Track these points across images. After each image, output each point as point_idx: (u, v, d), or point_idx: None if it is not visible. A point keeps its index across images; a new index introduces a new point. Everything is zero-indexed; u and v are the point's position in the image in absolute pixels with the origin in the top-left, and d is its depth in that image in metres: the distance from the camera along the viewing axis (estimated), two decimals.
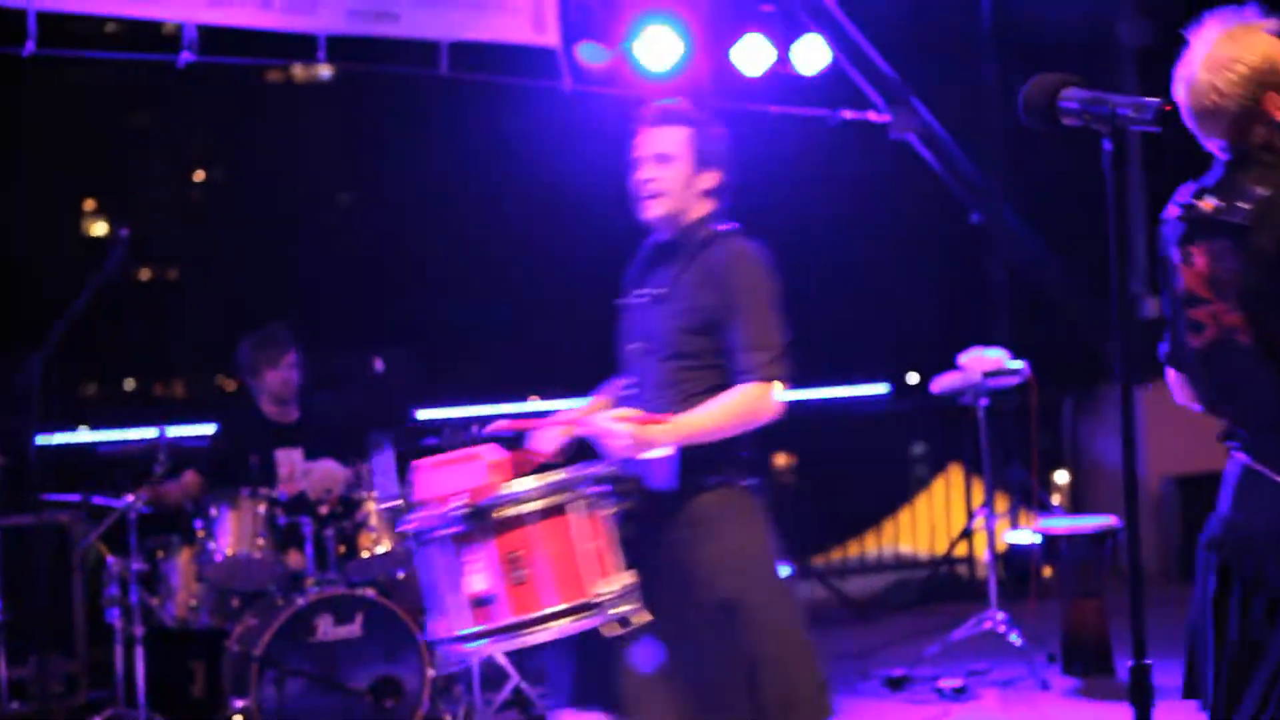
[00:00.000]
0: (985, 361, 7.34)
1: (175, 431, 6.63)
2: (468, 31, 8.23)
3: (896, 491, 10.95)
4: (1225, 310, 3.26)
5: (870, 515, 10.57)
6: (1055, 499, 9.89)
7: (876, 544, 10.34)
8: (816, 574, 9.41)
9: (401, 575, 6.46)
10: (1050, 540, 7.23)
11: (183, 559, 6.40)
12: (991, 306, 10.00)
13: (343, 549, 6.31)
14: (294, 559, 6.32)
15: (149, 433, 6.54)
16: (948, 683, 6.84)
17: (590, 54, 8.47)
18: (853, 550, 10.28)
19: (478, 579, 3.58)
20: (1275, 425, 3.26)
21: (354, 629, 6.09)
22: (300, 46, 8.05)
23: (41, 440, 6.51)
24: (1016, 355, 7.45)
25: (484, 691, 6.46)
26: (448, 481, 3.63)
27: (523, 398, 9.13)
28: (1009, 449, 8.92)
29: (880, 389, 10.49)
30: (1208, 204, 3.30)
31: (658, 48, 8.47)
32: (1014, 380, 7.39)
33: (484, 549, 3.59)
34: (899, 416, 10.69)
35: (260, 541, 6.23)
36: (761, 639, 3.86)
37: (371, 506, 6.34)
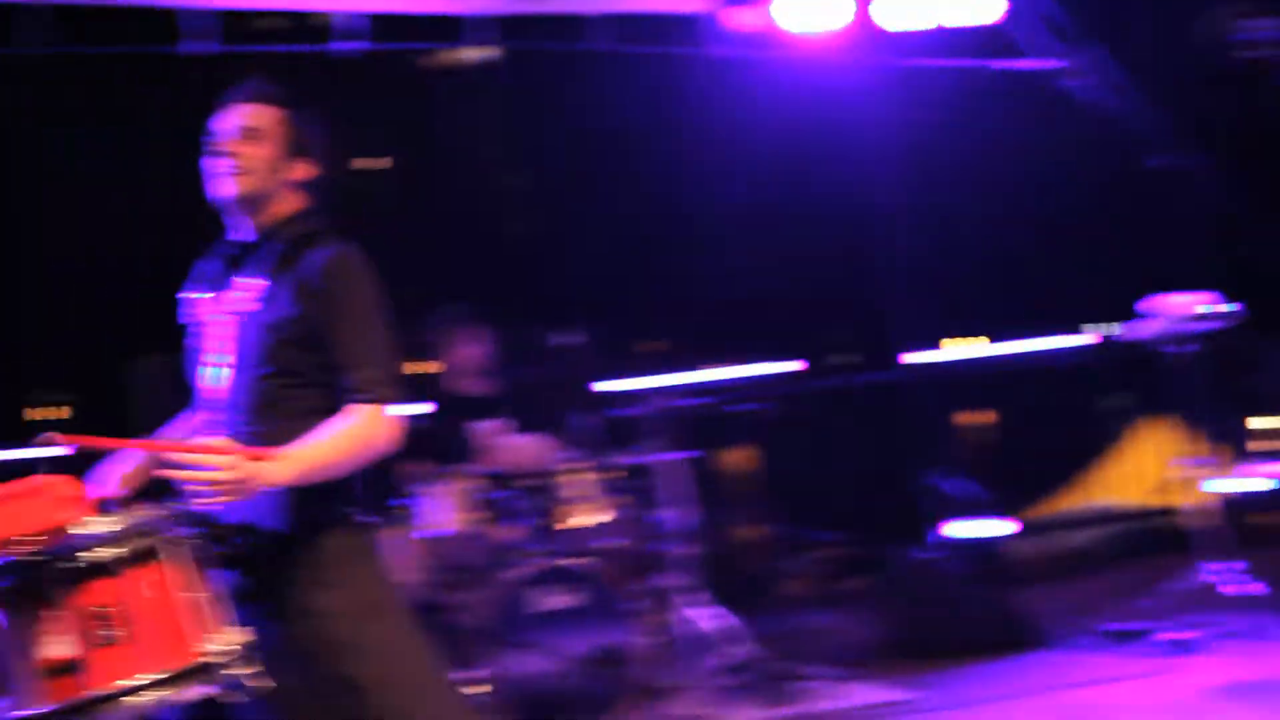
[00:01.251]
0: (1182, 307, 7.27)
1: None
2: (617, 2, 8.17)
3: (1100, 443, 10.83)
4: None
5: (1074, 468, 10.51)
6: (1259, 445, 9.72)
7: (1082, 497, 10.28)
8: (1026, 529, 9.38)
9: (608, 545, 6.59)
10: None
11: (398, 536, 6.58)
12: (1182, 251, 9.84)
13: (549, 521, 6.45)
14: (504, 532, 6.49)
15: None
16: (1170, 635, 6.79)
17: (739, 18, 8.45)
18: (1058, 504, 10.23)
19: (53, 643, 2.94)
20: None
21: (569, 599, 6.24)
22: (452, 30, 8.15)
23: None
24: (1216, 299, 7.36)
25: (707, 657, 6.54)
26: (12, 521, 2.96)
27: (694, 366, 9.21)
28: (1213, 395, 8.80)
29: (1081, 339, 10.42)
30: None
31: (805, 8, 8.43)
32: (1216, 325, 7.31)
33: (59, 605, 2.95)
34: (1099, 367, 10.59)
35: (471, 516, 6.39)
36: (391, 707, 3.43)
37: (574, 478, 6.47)
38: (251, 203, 3.63)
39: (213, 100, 3.74)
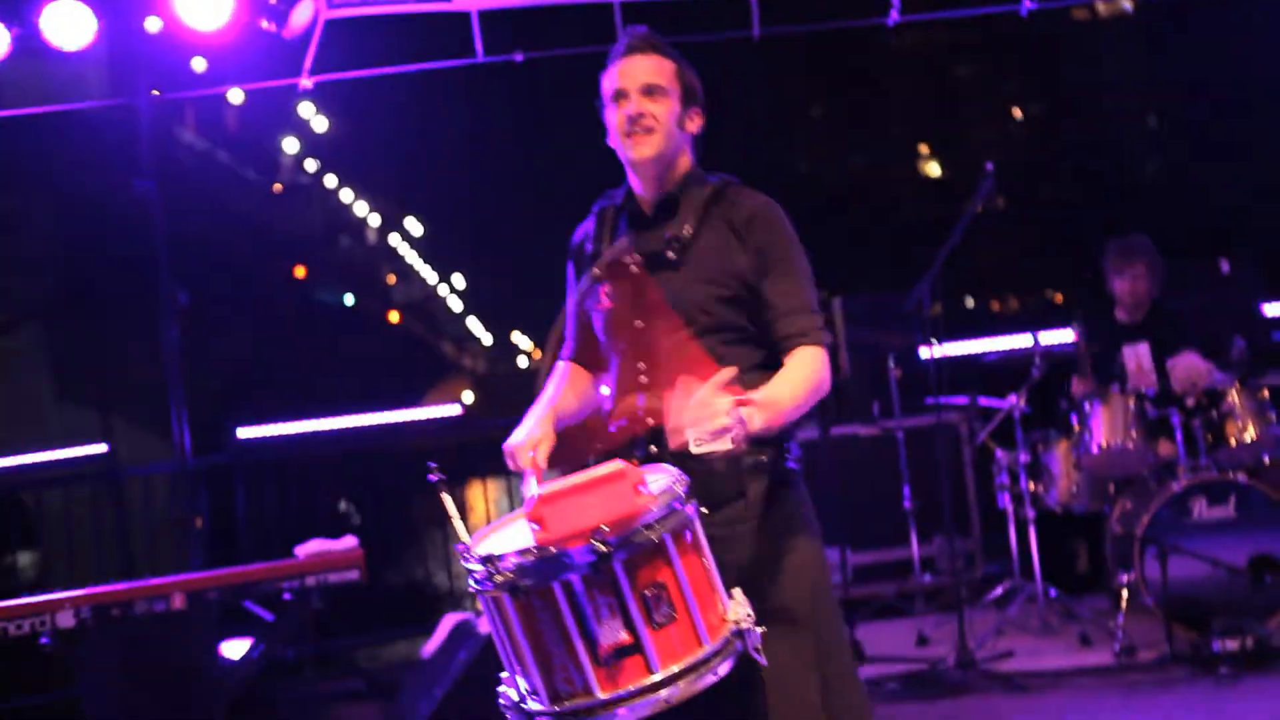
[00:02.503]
0: None
1: (1046, 338, 6.62)
2: None
3: None
4: None
5: None
6: None
7: None
8: None
9: (1268, 460, 6.10)
10: None
11: (1061, 450, 6.39)
12: None
13: (1210, 437, 6.03)
14: (1164, 448, 6.13)
15: (1024, 340, 6.59)
16: None
17: None
18: None
19: (612, 628, 2.57)
20: None
21: (1227, 510, 5.83)
22: None
23: (932, 353, 6.64)
24: None
25: None
26: (587, 510, 2.56)
27: None
28: None
29: None
30: None
31: None
32: None
33: (615, 589, 2.57)
34: None
35: (1132, 433, 6.08)
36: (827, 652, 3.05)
37: (1235, 398, 6.01)
38: (662, 162, 3.19)
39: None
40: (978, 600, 6.67)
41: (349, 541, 5.61)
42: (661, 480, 2.76)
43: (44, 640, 5.01)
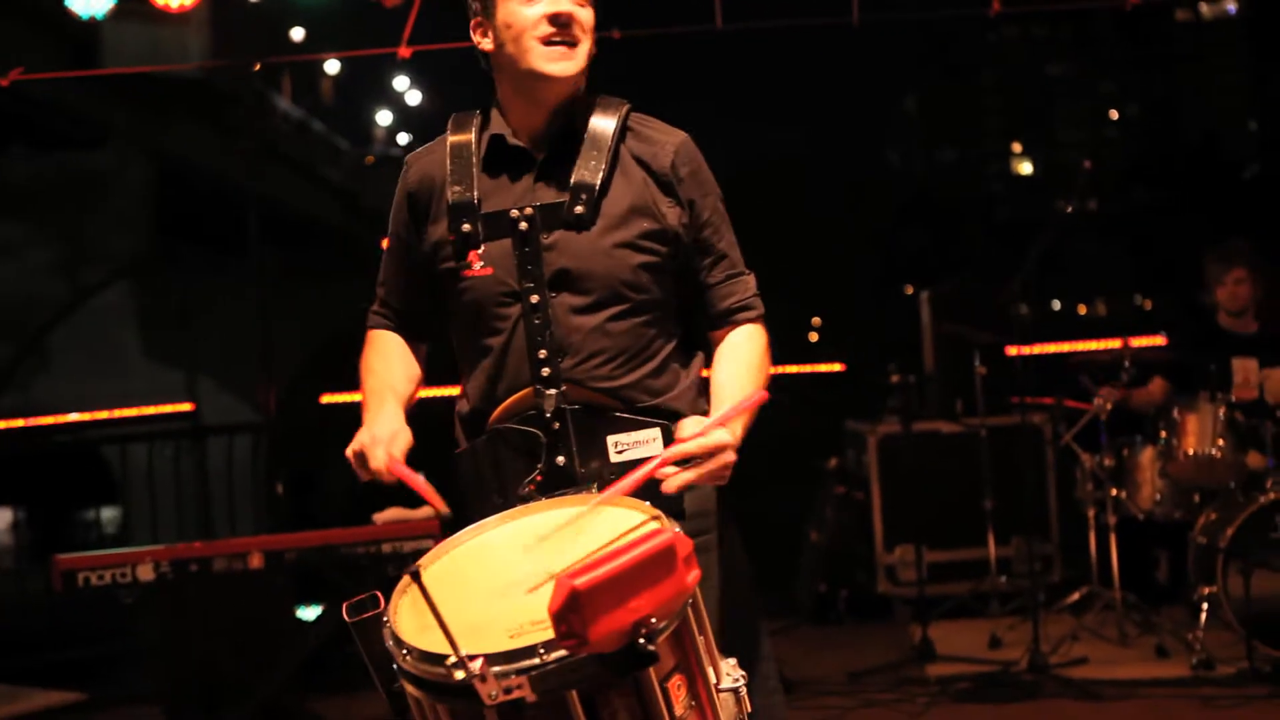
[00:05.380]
0: None
1: (1138, 342, 6.51)
2: None
3: None
4: None
5: None
6: None
7: None
8: None
9: None
10: None
11: (1146, 456, 6.28)
12: None
13: None
14: (1253, 459, 6.00)
15: (1112, 343, 6.50)
16: None
17: None
18: None
19: None
20: None
21: None
22: None
23: (1017, 351, 6.55)
24: None
25: None
26: (629, 596, 1.83)
27: None
28: None
29: None
30: None
31: None
32: None
33: (638, 690, 1.92)
34: None
35: (1220, 442, 5.96)
36: None
37: None
38: (574, 85, 2.52)
39: None
40: (1053, 605, 6.58)
41: (426, 511, 5.63)
42: (636, 519, 2.11)
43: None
